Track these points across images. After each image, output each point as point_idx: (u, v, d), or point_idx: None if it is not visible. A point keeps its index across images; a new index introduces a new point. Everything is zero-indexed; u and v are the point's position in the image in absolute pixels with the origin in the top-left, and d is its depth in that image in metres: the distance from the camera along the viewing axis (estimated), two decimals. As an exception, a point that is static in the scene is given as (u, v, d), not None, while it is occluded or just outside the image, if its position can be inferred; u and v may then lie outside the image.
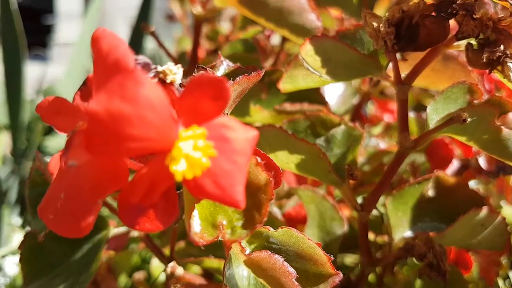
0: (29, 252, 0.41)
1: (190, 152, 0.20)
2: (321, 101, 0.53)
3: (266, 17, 0.48)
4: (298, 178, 0.58)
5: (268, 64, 0.66)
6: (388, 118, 0.84)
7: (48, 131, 1.35)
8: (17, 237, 0.87)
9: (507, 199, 0.76)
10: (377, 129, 0.89)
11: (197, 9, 0.51)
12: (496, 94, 0.44)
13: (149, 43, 1.66)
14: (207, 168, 0.21)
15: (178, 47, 1.11)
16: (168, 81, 0.23)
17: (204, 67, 0.29)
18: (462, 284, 0.51)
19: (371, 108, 1.00)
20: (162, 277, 0.59)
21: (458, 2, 0.33)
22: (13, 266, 0.76)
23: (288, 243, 0.31)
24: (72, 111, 0.24)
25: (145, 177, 0.21)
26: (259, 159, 0.26)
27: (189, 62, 0.58)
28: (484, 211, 0.47)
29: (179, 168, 0.20)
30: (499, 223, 0.48)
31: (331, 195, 0.58)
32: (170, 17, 1.24)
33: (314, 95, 0.52)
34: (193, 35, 0.54)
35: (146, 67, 0.23)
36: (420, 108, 0.80)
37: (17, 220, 1.03)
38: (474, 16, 0.32)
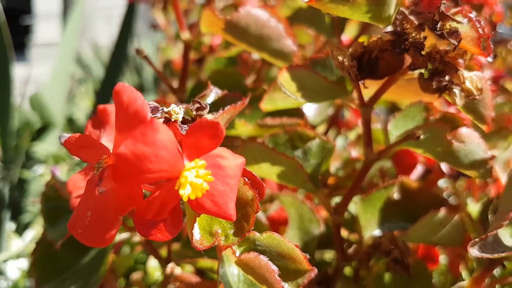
0: (41, 258, 0.46)
1: (193, 179, 0.26)
2: (299, 114, 0.59)
3: (247, 43, 0.53)
4: (280, 184, 0.64)
5: (250, 79, 0.72)
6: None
7: (36, 137, 1.38)
8: (16, 243, 0.91)
9: (474, 197, 0.83)
10: (353, 133, 0.96)
11: (185, 35, 0.56)
12: (449, 111, 0.50)
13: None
14: (206, 191, 0.27)
15: (162, 56, 1.16)
16: (172, 119, 0.29)
17: (198, 100, 0.34)
18: (426, 276, 0.57)
19: (347, 114, 1.06)
20: (157, 277, 0.64)
21: (409, 40, 0.39)
22: (15, 270, 0.80)
23: (271, 245, 0.37)
24: (94, 145, 0.29)
25: (157, 198, 0.27)
26: (246, 179, 0.32)
27: (179, 80, 0.63)
28: (442, 212, 0.53)
29: (186, 192, 0.26)
30: (457, 222, 0.55)
31: (310, 199, 0.65)
32: (154, 26, 1.28)
33: (292, 110, 0.58)
34: (182, 57, 0.59)
35: (155, 109, 0.29)
36: (395, 109, 0.87)
37: (10, 225, 1.07)
38: (422, 52, 0.39)
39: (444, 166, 0.64)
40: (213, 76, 0.62)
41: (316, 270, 0.36)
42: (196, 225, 0.31)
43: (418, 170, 0.64)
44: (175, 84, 0.63)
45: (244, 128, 0.58)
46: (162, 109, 0.29)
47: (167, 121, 0.29)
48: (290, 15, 0.64)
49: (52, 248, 0.43)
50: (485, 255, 0.41)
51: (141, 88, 2.08)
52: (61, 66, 1.55)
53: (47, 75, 1.62)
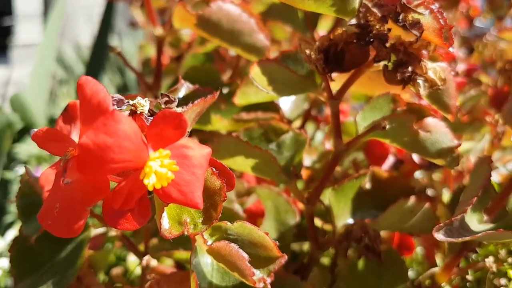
0: (18, 254, 0.46)
1: (158, 169, 0.27)
2: (274, 109, 0.61)
3: (220, 38, 0.54)
4: (257, 178, 0.65)
5: (227, 75, 0.73)
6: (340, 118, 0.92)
7: (18, 138, 1.37)
8: (-3, 243, 0.91)
9: (450, 188, 0.86)
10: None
11: (158, 31, 0.57)
12: (416, 102, 0.52)
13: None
14: (172, 180, 0.28)
15: (142, 54, 1.16)
16: (138, 111, 0.30)
17: (167, 94, 0.35)
18: (398, 262, 0.58)
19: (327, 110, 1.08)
20: (138, 272, 0.64)
21: (373, 32, 0.41)
22: (-5, 270, 0.80)
23: (242, 234, 0.38)
24: (62, 138, 0.30)
25: (124, 188, 0.28)
26: (214, 169, 0.33)
27: (154, 75, 0.64)
28: (412, 200, 0.55)
29: (150, 181, 0.27)
30: (427, 210, 0.56)
31: (288, 192, 0.66)
32: (133, 24, 1.28)
33: (267, 104, 0.59)
34: (156, 53, 0.59)
35: (120, 102, 0.29)
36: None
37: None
38: (386, 44, 0.40)
39: (415, 156, 0.66)
40: (189, 73, 0.63)
41: (286, 257, 0.38)
42: (165, 214, 0.32)
43: (390, 160, 0.66)
44: (151, 81, 0.64)
45: (220, 123, 0.59)
46: (128, 102, 0.30)
47: (133, 113, 0.30)
48: (264, 10, 0.66)
49: (28, 243, 0.44)
50: (450, 239, 0.43)
51: (124, 87, 2.07)
52: (41, 67, 1.54)
53: (29, 76, 1.60)
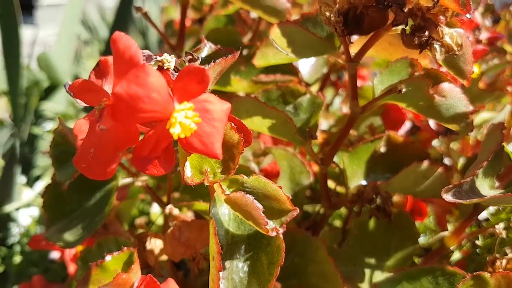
0: (51, 199, 0.50)
1: (182, 120, 0.29)
2: (293, 72, 0.62)
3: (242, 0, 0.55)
4: (273, 138, 0.68)
5: (247, 37, 0.74)
6: (359, 83, 0.93)
7: (44, 96, 1.42)
8: (26, 193, 0.97)
9: (466, 156, 0.86)
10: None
11: (184, -8, 0.58)
12: (433, 67, 0.53)
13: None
14: (195, 131, 0.30)
15: (165, 16, 1.17)
16: (165, 67, 0.32)
17: (191, 52, 0.37)
18: (409, 224, 0.61)
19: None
20: (159, 222, 0.69)
21: (392, -4, 0.41)
22: (26, 218, 0.86)
23: (257, 187, 0.40)
24: (96, 90, 0.32)
25: (151, 137, 0.30)
26: (233, 124, 0.35)
27: (178, 36, 0.66)
28: (426, 164, 0.56)
29: (175, 131, 0.29)
30: (440, 175, 0.57)
31: (303, 153, 0.68)
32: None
33: (286, 67, 0.61)
34: (180, 14, 0.61)
35: (149, 58, 0.32)
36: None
37: (21, 178, 1.12)
38: (403, 9, 0.41)
39: (431, 122, 0.67)
40: (211, 34, 0.65)
41: (298, 210, 0.40)
42: (187, 164, 0.35)
43: (406, 126, 0.67)
44: (175, 42, 0.66)
45: (239, 85, 0.61)
46: (156, 58, 0.32)
47: (160, 69, 0.32)
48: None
49: (60, 190, 0.47)
50: (458, 201, 0.45)
51: (146, 49, 2.09)
52: (67, 27, 1.56)
53: (54, 36, 1.64)
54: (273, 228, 0.38)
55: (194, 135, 0.31)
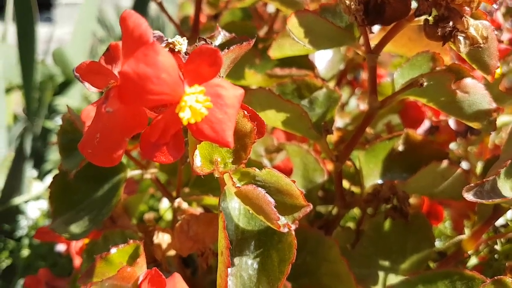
0: (57, 190, 0.49)
1: (193, 103, 0.28)
2: (309, 66, 0.60)
3: (260, -9, 0.54)
4: (287, 135, 0.66)
5: (263, 31, 0.72)
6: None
7: (58, 91, 1.42)
8: (36, 186, 0.97)
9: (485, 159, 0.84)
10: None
11: (199, -17, 0.57)
12: (456, 62, 0.50)
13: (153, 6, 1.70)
14: (205, 116, 0.29)
15: (181, 12, 1.16)
16: (176, 50, 0.30)
17: (204, 38, 0.36)
18: (425, 226, 0.58)
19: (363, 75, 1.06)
20: (168, 218, 0.67)
21: (416, -15, 0.39)
22: (35, 210, 0.85)
23: (270, 181, 0.38)
24: (104, 72, 0.31)
25: (160, 122, 0.29)
26: (246, 112, 0.33)
27: (192, 29, 0.64)
28: (444, 164, 0.54)
29: (185, 116, 0.28)
30: (459, 175, 0.55)
31: (317, 151, 0.66)
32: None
33: (302, 61, 0.59)
34: (195, 6, 0.60)
35: (160, 39, 0.30)
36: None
37: (32, 172, 1.12)
38: (428, -3, 0.39)
39: (451, 121, 0.64)
40: (226, 27, 0.63)
41: (311, 206, 0.38)
42: (197, 153, 0.33)
43: (425, 125, 0.64)
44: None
45: (254, 78, 0.59)
46: (167, 40, 0.30)
47: (171, 51, 0.31)
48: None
49: (67, 180, 0.46)
50: (480, 200, 0.42)
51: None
52: (83, 24, 1.57)
53: (70, 34, 1.64)
54: (285, 224, 0.36)
55: (205, 121, 0.29)
